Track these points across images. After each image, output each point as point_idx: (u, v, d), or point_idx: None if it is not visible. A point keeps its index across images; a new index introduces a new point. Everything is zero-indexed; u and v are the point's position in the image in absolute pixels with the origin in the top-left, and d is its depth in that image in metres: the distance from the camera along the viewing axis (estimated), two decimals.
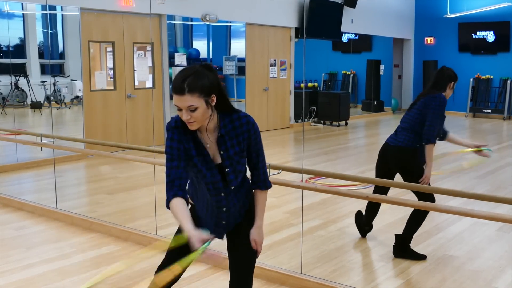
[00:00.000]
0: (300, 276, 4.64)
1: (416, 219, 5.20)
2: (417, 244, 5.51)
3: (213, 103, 2.75)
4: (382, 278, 4.84)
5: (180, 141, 2.81)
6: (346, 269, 5.05)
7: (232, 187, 2.93)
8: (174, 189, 2.77)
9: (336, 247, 5.59)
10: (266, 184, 3.06)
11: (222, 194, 2.91)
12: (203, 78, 2.70)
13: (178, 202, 2.75)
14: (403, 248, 5.26)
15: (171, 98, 11.90)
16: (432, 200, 5.02)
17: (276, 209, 6.92)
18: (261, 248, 3.14)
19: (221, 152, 2.85)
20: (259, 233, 3.11)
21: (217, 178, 2.87)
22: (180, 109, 2.69)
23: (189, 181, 2.96)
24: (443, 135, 5.51)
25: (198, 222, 2.92)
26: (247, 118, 2.88)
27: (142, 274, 4.78)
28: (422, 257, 5.21)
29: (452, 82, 5.34)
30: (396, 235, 5.31)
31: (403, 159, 5.24)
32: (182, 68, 2.83)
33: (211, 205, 2.96)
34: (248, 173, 3.05)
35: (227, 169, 2.87)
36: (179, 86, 2.65)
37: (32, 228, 6.23)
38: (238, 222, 3.08)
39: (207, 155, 2.85)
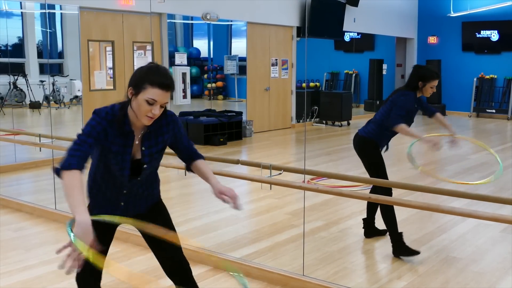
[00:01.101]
0: (302, 278, 4.64)
1: (386, 216, 5.34)
2: (420, 245, 5.51)
3: None
4: (385, 280, 4.84)
5: (104, 130, 2.81)
6: (349, 270, 5.05)
7: (139, 178, 2.98)
8: (77, 161, 2.72)
9: (338, 249, 5.59)
10: (200, 155, 3.16)
11: (127, 183, 2.97)
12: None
13: (77, 176, 2.70)
14: (398, 247, 5.36)
15: (171, 97, 11.89)
16: (389, 193, 5.27)
17: (278, 210, 6.92)
18: (233, 192, 2.97)
19: (143, 149, 2.91)
20: (222, 186, 2.99)
21: (126, 172, 2.90)
22: (151, 104, 2.72)
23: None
24: (430, 114, 5.70)
25: (94, 204, 3.05)
26: (172, 117, 2.99)
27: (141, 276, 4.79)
28: (415, 253, 5.30)
29: (421, 82, 5.29)
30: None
31: (362, 147, 5.50)
32: (149, 65, 2.88)
33: (112, 187, 2.99)
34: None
35: (145, 166, 2.94)
36: (169, 82, 2.75)
37: (31, 229, 6.24)
38: (141, 211, 3.08)
39: (129, 151, 2.88)
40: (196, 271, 4.86)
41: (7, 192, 7.53)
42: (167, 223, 3.13)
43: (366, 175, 5.51)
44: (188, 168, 3.18)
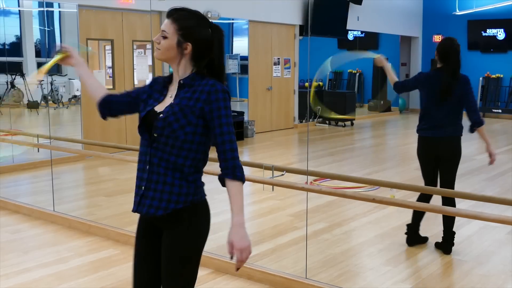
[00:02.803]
0: (305, 281, 4.64)
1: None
2: (425, 247, 5.51)
3: (186, 51, 2.67)
4: (389, 283, 4.84)
5: (150, 91, 2.83)
6: (352, 273, 5.05)
7: (156, 136, 2.63)
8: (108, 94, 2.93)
9: (341, 251, 5.60)
10: (235, 173, 2.61)
11: (150, 148, 2.67)
12: (195, 22, 2.71)
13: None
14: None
15: None
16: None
17: (280, 212, 6.92)
18: (243, 256, 2.62)
19: (172, 102, 2.69)
20: (237, 233, 2.65)
21: (140, 125, 2.72)
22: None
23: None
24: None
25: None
26: (215, 83, 2.65)
27: None
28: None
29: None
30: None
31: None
32: None
33: (140, 164, 2.72)
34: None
35: (160, 115, 2.64)
36: (172, 10, 2.74)
37: (29, 232, 6.24)
38: (158, 211, 2.65)
39: (157, 98, 2.78)
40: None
41: (4, 193, 7.53)
42: (171, 265, 2.73)
43: (370, 176, 5.52)
44: (220, 182, 2.68)
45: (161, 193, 2.64)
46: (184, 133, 2.61)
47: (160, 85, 2.82)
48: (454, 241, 5.51)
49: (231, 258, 2.60)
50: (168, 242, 2.71)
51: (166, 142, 2.62)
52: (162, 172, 2.64)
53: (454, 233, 5.48)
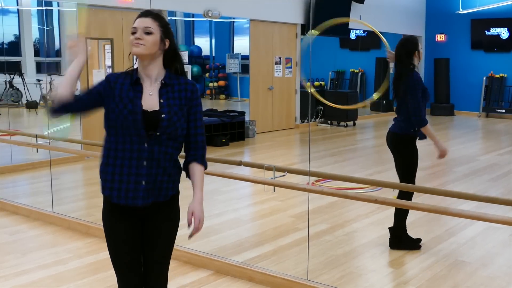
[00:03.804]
0: (307, 283, 4.64)
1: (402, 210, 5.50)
2: (428, 249, 5.50)
3: (165, 47, 2.98)
4: (391, 285, 4.84)
5: (102, 83, 2.97)
6: (354, 275, 5.05)
7: (159, 134, 2.88)
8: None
9: (343, 253, 5.59)
10: (203, 160, 3.06)
11: (145, 145, 2.87)
12: (166, 20, 3.04)
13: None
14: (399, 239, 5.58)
15: None
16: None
17: (282, 213, 6.92)
18: (199, 226, 2.99)
19: (161, 101, 2.92)
20: (199, 205, 2.99)
21: (139, 125, 2.85)
22: (134, 32, 2.92)
23: (107, 144, 2.95)
24: None
25: (111, 187, 2.91)
26: (194, 86, 3.03)
27: None
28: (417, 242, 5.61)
29: (417, 51, 5.66)
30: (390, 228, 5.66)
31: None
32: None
33: (131, 160, 2.87)
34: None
35: (163, 115, 2.88)
36: (146, 11, 2.97)
37: (28, 233, 6.24)
38: (160, 197, 2.96)
39: (139, 96, 2.92)
40: (198, 275, 4.88)
41: (3, 194, 7.53)
42: (166, 243, 3.10)
43: (372, 177, 5.52)
44: (184, 167, 3.06)
45: (161, 182, 2.93)
46: (181, 129, 2.95)
47: (120, 83, 2.96)
48: (402, 236, 5.60)
49: (189, 226, 2.96)
50: (166, 226, 3.06)
51: (168, 138, 2.90)
52: (162, 165, 2.91)
53: (404, 226, 5.60)
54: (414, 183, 5.43)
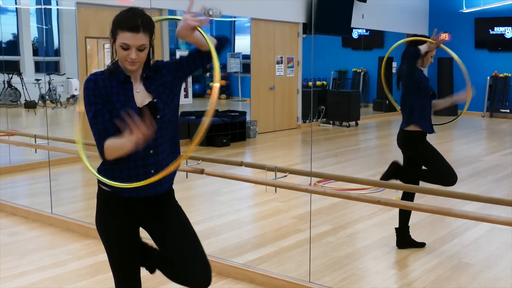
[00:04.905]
0: (308, 285, 4.64)
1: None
2: (431, 250, 5.50)
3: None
4: (394, 287, 4.84)
5: (95, 92, 2.90)
6: (357, 277, 5.05)
7: (159, 117, 2.90)
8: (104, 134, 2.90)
9: (346, 254, 5.59)
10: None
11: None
12: (151, 19, 2.90)
13: (110, 140, 2.85)
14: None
15: None
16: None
17: (283, 214, 6.92)
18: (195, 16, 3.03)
19: (150, 91, 2.94)
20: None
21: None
22: (126, 48, 2.81)
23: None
24: None
25: (121, 177, 2.90)
26: (156, 61, 3.03)
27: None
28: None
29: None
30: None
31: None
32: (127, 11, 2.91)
33: (135, 153, 2.84)
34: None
35: (156, 100, 2.91)
36: (135, 23, 2.79)
37: (26, 234, 6.24)
38: (164, 188, 3.01)
39: (131, 96, 2.90)
40: None
41: (1, 195, 7.53)
42: (187, 228, 3.13)
43: (375, 177, 5.52)
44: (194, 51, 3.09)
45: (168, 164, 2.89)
46: (175, 105, 3.02)
47: (107, 84, 2.92)
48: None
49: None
50: (175, 211, 3.10)
51: (168, 120, 2.95)
52: (167, 150, 2.97)
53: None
54: (449, 174, 5.39)
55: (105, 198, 2.99)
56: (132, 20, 2.79)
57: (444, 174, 5.35)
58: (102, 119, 2.87)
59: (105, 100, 2.87)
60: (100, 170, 2.96)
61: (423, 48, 5.48)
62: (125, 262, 3.05)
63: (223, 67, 21.66)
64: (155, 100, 2.90)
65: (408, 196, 5.35)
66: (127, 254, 3.04)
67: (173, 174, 3.03)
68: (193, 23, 2.93)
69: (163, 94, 2.94)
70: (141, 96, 2.92)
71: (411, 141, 5.46)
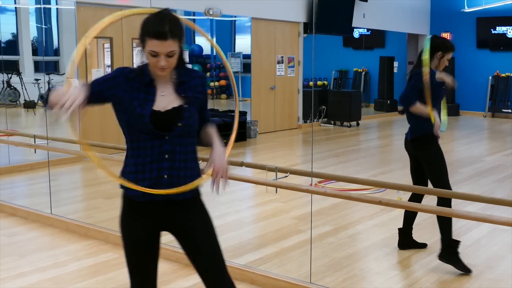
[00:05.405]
0: (309, 286, 4.64)
1: (443, 219, 5.15)
2: (433, 251, 5.49)
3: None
4: None
5: (117, 80, 2.89)
6: (358, 278, 5.05)
7: (181, 125, 2.87)
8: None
9: (347, 255, 5.60)
10: (212, 122, 3.14)
11: (166, 137, 2.85)
12: (180, 23, 2.87)
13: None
14: (450, 254, 5.18)
15: None
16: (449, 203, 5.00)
17: (284, 215, 6.92)
18: (226, 176, 2.95)
19: (182, 95, 2.92)
20: (220, 157, 2.96)
21: (149, 126, 2.83)
22: (155, 55, 2.77)
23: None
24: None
25: (136, 182, 2.87)
26: (202, 74, 3.08)
27: None
28: (467, 270, 5.10)
29: (440, 52, 5.39)
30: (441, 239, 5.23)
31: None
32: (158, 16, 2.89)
33: (151, 156, 2.85)
34: None
35: (185, 106, 2.89)
36: (162, 30, 2.75)
37: (26, 235, 6.25)
38: (186, 196, 2.93)
39: (152, 98, 2.88)
40: (198, 278, 4.87)
41: (0, 195, 7.53)
42: (205, 232, 3.05)
43: (376, 178, 5.52)
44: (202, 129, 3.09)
45: (185, 178, 2.89)
46: (197, 119, 2.97)
47: (134, 81, 2.90)
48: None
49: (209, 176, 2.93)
50: (198, 219, 3.02)
51: (188, 130, 2.90)
52: (184, 158, 2.90)
53: (457, 242, 5.20)
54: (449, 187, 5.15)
55: (126, 199, 2.98)
56: (159, 27, 2.75)
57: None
58: (97, 88, 2.87)
59: (118, 89, 2.88)
60: (124, 171, 2.98)
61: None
62: (140, 264, 3.01)
63: (224, 67, 21.65)
64: (185, 106, 2.89)
65: (416, 198, 5.32)
66: (143, 256, 3.00)
67: (191, 180, 2.92)
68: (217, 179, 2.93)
69: (193, 105, 2.93)
70: (166, 101, 2.89)
71: (424, 143, 5.27)
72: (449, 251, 5.15)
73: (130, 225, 2.98)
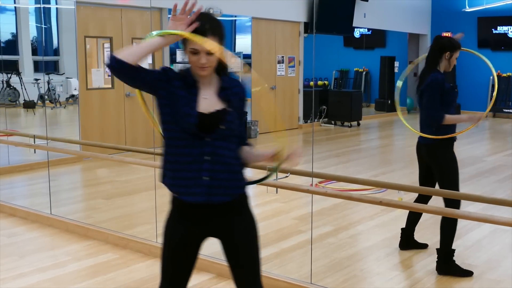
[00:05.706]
0: (310, 286, 4.64)
1: (446, 225, 5.09)
2: (434, 251, 5.48)
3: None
4: None
5: (164, 76, 2.89)
6: (358, 278, 5.05)
7: (223, 128, 2.89)
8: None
9: (347, 255, 5.59)
10: (249, 143, 3.16)
11: (207, 139, 2.86)
12: (220, 23, 2.95)
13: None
14: (446, 264, 5.10)
15: None
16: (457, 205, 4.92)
17: (284, 215, 6.92)
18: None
19: (225, 100, 2.94)
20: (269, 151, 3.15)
21: (194, 128, 2.83)
22: (196, 53, 2.81)
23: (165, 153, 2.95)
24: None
25: (173, 183, 2.90)
26: (244, 84, 3.12)
27: (142, 283, 4.80)
28: (468, 273, 5.04)
29: (449, 52, 5.30)
30: (437, 249, 5.15)
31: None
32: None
33: (191, 155, 2.86)
34: None
35: (230, 109, 2.93)
36: (202, 28, 2.83)
37: (25, 235, 6.25)
38: (226, 197, 2.92)
39: (194, 98, 2.89)
40: (199, 279, 4.87)
41: (0, 196, 7.53)
42: (247, 243, 3.08)
43: (377, 178, 5.51)
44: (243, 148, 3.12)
45: (228, 181, 2.90)
46: (237, 130, 3.01)
47: (177, 80, 2.90)
48: (452, 259, 5.14)
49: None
50: (241, 227, 3.02)
51: (230, 134, 2.93)
52: (227, 161, 2.91)
53: (452, 250, 5.12)
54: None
55: (174, 200, 2.97)
56: (200, 25, 2.84)
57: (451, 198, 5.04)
58: (149, 72, 2.89)
59: (160, 85, 2.88)
60: (161, 172, 2.98)
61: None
62: (173, 268, 3.00)
63: None
64: (229, 109, 2.92)
65: (423, 199, 5.25)
66: (179, 260, 2.98)
67: (233, 184, 2.95)
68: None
69: (236, 109, 2.98)
70: (208, 104, 2.90)
71: (438, 149, 5.14)
72: (446, 261, 5.09)
73: (172, 226, 2.98)
